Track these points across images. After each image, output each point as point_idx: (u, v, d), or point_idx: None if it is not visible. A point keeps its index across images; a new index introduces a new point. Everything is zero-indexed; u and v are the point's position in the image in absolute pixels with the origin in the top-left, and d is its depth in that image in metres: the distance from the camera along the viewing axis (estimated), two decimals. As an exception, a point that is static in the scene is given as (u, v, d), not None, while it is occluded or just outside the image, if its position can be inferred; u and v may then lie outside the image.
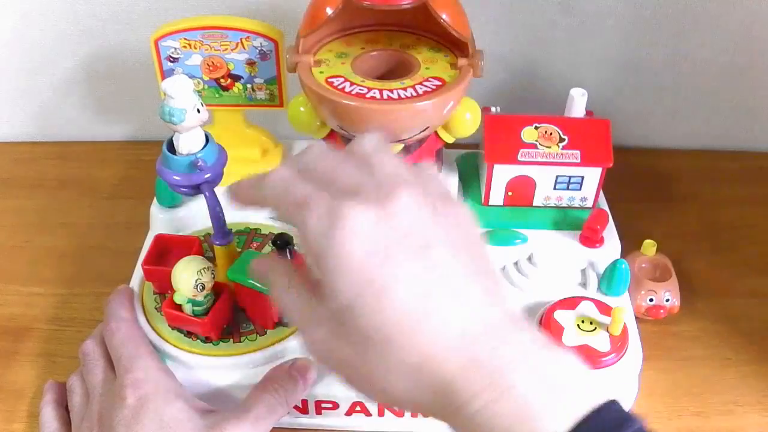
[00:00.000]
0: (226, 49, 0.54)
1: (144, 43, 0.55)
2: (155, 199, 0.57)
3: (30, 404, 0.50)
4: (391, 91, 0.49)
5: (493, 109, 0.57)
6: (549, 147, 0.54)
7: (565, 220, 0.56)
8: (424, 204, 0.32)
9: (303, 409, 0.48)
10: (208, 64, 0.55)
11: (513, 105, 0.69)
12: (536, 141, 0.55)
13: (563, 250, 0.54)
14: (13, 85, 0.73)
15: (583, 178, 0.55)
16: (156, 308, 0.49)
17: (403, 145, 0.52)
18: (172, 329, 0.47)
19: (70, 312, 0.57)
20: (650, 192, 0.69)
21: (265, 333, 0.47)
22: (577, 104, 0.56)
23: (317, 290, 0.33)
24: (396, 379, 0.30)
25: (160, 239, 0.51)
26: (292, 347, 0.47)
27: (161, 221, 0.56)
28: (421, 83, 0.50)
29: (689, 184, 0.70)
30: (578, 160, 0.54)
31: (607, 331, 0.48)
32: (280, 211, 0.34)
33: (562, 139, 0.55)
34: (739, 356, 0.54)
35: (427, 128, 0.51)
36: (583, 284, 0.53)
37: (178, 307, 0.46)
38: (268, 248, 0.53)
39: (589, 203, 0.56)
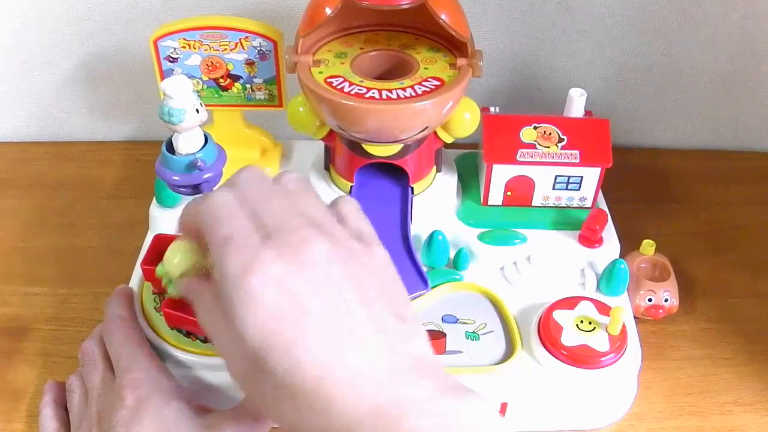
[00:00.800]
0: (226, 50, 0.54)
1: (144, 43, 0.55)
2: (155, 199, 0.57)
3: (29, 404, 0.50)
4: (390, 91, 0.49)
5: (492, 109, 0.57)
6: (548, 147, 0.54)
7: (564, 220, 0.56)
8: (338, 253, 0.33)
9: (302, 409, 0.48)
10: (207, 64, 0.55)
11: (512, 105, 0.69)
12: (535, 141, 0.55)
13: (562, 250, 0.54)
14: (13, 85, 0.73)
15: (582, 178, 0.55)
16: (155, 308, 0.49)
17: (402, 145, 0.52)
18: (172, 329, 0.47)
19: (70, 312, 0.57)
20: (649, 192, 0.69)
21: (265, 333, 0.47)
22: (577, 104, 0.56)
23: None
24: (303, 420, 0.31)
25: (159, 239, 0.51)
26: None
27: (161, 221, 0.56)
28: (420, 83, 0.50)
29: (689, 184, 0.70)
30: (577, 160, 0.54)
31: (606, 331, 0.48)
32: (209, 244, 0.34)
33: (561, 139, 0.55)
34: (738, 356, 0.54)
35: (426, 128, 0.51)
36: (582, 284, 0.53)
37: (178, 307, 0.46)
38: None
39: (588, 203, 0.57)
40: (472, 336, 0.49)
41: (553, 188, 0.56)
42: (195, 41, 0.54)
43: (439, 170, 0.58)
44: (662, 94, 0.73)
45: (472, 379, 0.47)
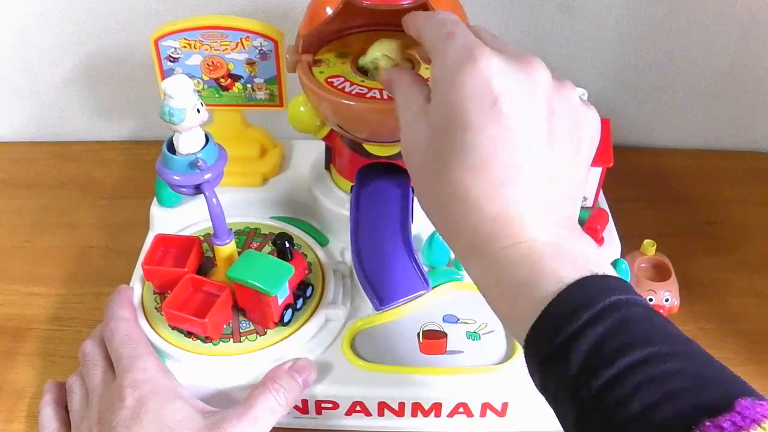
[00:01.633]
0: (226, 49, 0.54)
1: (144, 43, 0.55)
2: (155, 199, 0.57)
3: (30, 404, 0.50)
4: (391, 91, 0.49)
5: None
6: None
7: (564, 220, 0.56)
8: (549, 84, 0.36)
9: (303, 409, 0.48)
10: (207, 64, 0.55)
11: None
12: None
13: (563, 250, 0.54)
14: (13, 85, 0.73)
15: None
16: (156, 308, 0.49)
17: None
18: (172, 329, 0.47)
19: (70, 312, 0.57)
20: (650, 192, 0.69)
21: (265, 333, 0.47)
22: None
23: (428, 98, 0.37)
24: (446, 203, 0.35)
25: (160, 239, 0.51)
26: (292, 347, 0.47)
27: (161, 221, 0.56)
28: (420, 83, 0.50)
29: (689, 184, 0.70)
30: None
31: (607, 331, 0.48)
32: (428, 38, 0.38)
33: None
34: (738, 356, 0.54)
35: (426, 128, 0.51)
36: (583, 284, 0.53)
37: (179, 307, 0.46)
38: (268, 248, 0.53)
39: (589, 203, 0.56)
40: (473, 336, 0.49)
41: None
42: (196, 41, 0.54)
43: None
44: (662, 94, 0.73)
45: (473, 379, 0.47)
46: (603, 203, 0.58)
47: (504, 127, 0.34)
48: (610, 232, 0.55)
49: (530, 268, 0.32)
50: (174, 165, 0.44)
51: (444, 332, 0.50)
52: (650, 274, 0.56)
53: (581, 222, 0.54)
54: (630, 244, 0.56)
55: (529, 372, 0.33)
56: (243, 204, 0.57)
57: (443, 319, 0.50)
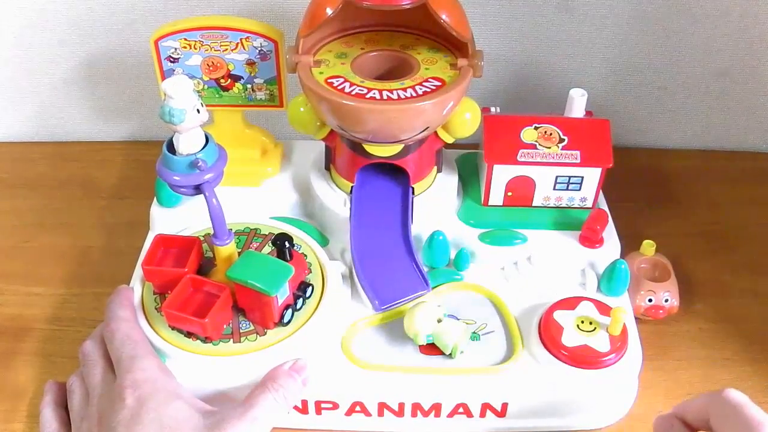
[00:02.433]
0: (226, 50, 0.54)
1: (144, 43, 0.55)
2: (155, 199, 0.57)
3: (30, 404, 0.50)
4: (391, 91, 0.49)
5: (492, 109, 0.57)
6: (549, 147, 0.54)
7: (564, 220, 0.56)
8: None
9: (303, 409, 0.48)
10: (208, 65, 0.55)
11: (513, 105, 0.69)
12: (536, 141, 0.55)
13: (563, 250, 0.54)
14: (13, 85, 0.73)
15: (582, 178, 0.55)
16: (156, 308, 0.49)
17: (403, 146, 0.52)
18: (172, 329, 0.47)
19: (70, 312, 0.57)
20: (650, 192, 0.69)
21: (265, 333, 0.47)
22: (577, 104, 0.56)
23: None
24: None
25: (160, 239, 0.51)
26: (292, 347, 0.47)
27: (161, 221, 0.56)
28: (420, 83, 0.50)
29: (689, 184, 0.70)
30: (578, 161, 0.54)
31: (607, 332, 0.48)
32: None
33: (561, 140, 0.55)
34: (738, 356, 0.54)
35: (426, 128, 0.51)
36: (583, 284, 0.53)
37: (179, 307, 0.46)
38: (268, 248, 0.53)
39: (589, 203, 0.57)
40: (473, 336, 0.49)
41: (554, 188, 0.56)
42: (196, 41, 0.54)
43: (439, 170, 0.58)
44: (662, 94, 0.73)
45: (473, 379, 0.47)
46: (603, 203, 0.58)
47: None
48: (610, 232, 0.55)
49: None
50: (174, 165, 0.44)
51: (444, 332, 0.50)
52: (650, 274, 0.56)
53: (581, 222, 0.55)
54: (630, 244, 0.56)
55: None
56: (243, 204, 0.57)
57: (443, 320, 0.50)
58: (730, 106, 0.73)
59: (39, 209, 0.67)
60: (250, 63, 0.55)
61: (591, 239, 0.54)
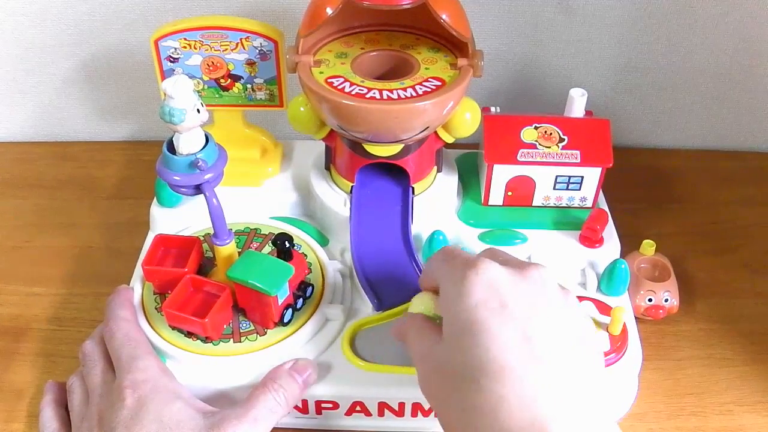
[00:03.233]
0: (226, 50, 0.54)
1: (144, 43, 0.55)
2: (155, 199, 0.57)
3: (30, 404, 0.50)
4: (391, 91, 0.49)
5: (492, 109, 0.57)
6: (549, 147, 0.54)
7: (564, 220, 0.56)
8: (555, 287, 0.36)
9: (303, 409, 0.48)
10: (208, 65, 0.55)
11: (513, 105, 0.69)
12: (536, 141, 0.55)
13: (563, 250, 0.54)
14: (13, 85, 0.73)
15: (582, 178, 0.55)
16: (156, 308, 0.49)
17: (403, 145, 0.52)
18: (172, 329, 0.47)
19: (70, 312, 0.57)
20: (650, 192, 0.69)
21: (265, 333, 0.47)
22: (577, 104, 0.56)
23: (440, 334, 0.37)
24: (471, 418, 0.33)
25: (160, 239, 0.51)
26: (292, 347, 0.47)
27: (162, 221, 0.56)
28: (420, 83, 0.50)
29: (689, 184, 0.70)
30: (578, 160, 0.54)
31: (607, 331, 0.48)
32: (435, 273, 0.40)
33: (561, 139, 0.55)
34: (738, 356, 0.54)
35: (426, 128, 0.51)
36: (583, 284, 0.53)
37: (179, 307, 0.46)
38: (268, 248, 0.53)
39: (589, 203, 0.57)
40: (473, 336, 0.49)
41: (554, 188, 0.56)
42: (196, 41, 0.54)
43: (439, 170, 0.58)
44: (662, 94, 0.73)
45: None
46: (603, 203, 0.58)
47: (521, 329, 0.34)
48: (610, 232, 0.55)
49: None
50: (174, 165, 0.44)
51: (444, 332, 0.49)
52: (650, 274, 0.56)
53: (581, 222, 0.55)
54: (630, 244, 0.56)
55: None
56: (243, 204, 0.57)
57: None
58: (730, 106, 0.73)
59: (39, 209, 0.67)
60: (250, 63, 0.55)
61: (591, 239, 0.54)
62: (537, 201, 0.56)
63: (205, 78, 0.56)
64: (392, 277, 0.52)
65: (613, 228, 0.56)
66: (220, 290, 0.47)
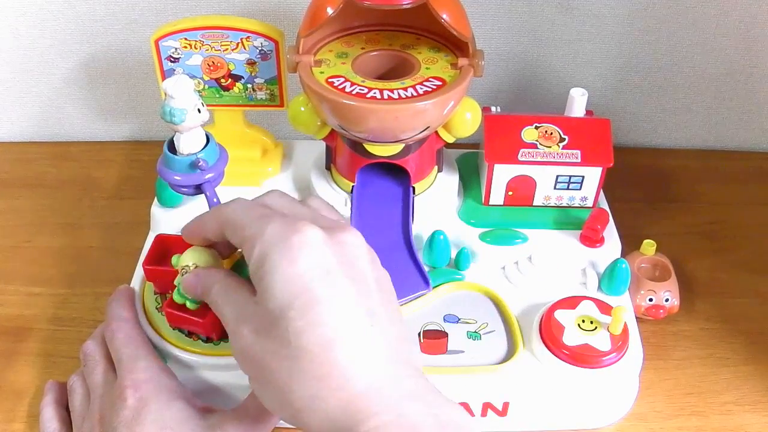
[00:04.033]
0: (227, 49, 0.54)
1: (144, 43, 0.55)
2: (156, 199, 0.57)
3: (30, 404, 0.50)
4: (392, 91, 0.49)
5: (493, 108, 0.57)
6: (549, 147, 0.54)
7: (565, 219, 0.56)
8: (367, 248, 0.37)
9: (304, 408, 0.48)
10: (208, 64, 0.55)
11: (513, 105, 0.69)
12: (536, 141, 0.55)
13: (563, 249, 0.54)
14: (13, 85, 0.73)
15: (583, 177, 0.55)
16: (157, 308, 0.49)
17: (403, 145, 0.52)
18: (173, 329, 0.47)
19: (70, 312, 0.57)
20: (650, 192, 0.69)
21: (266, 333, 0.47)
22: (577, 104, 0.56)
23: (253, 292, 0.36)
24: (302, 388, 0.33)
25: (160, 239, 0.50)
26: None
27: (162, 221, 0.56)
28: (421, 83, 0.50)
29: (689, 184, 0.70)
30: (578, 160, 0.54)
31: (608, 331, 0.48)
32: (236, 229, 0.37)
33: (562, 139, 0.55)
34: (738, 356, 0.54)
35: (427, 128, 0.51)
36: (584, 284, 0.53)
37: (180, 307, 0.46)
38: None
39: (590, 203, 0.57)
40: (474, 336, 0.49)
41: (555, 188, 0.56)
42: (196, 41, 0.54)
43: (440, 170, 0.58)
44: (662, 94, 0.73)
45: (474, 378, 0.47)
46: (603, 203, 0.58)
47: (347, 294, 0.34)
48: (610, 232, 0.55)
49: None
50: (175, 165, 0.44)
51: (445, 332, 0.50)
52: (650, 274, 0.56)
53: (581, 222, 0.55)
54: (630, 244, 0.56)
55: None
56: (243, 204, 0.57)
57: (444, 319, 0.50)
58: (731, 105, 0.73)
59: (39, 209, 0.67)
60: (251, 63, 0.55)
61: (592, 239, 0.54)
62: (538, 201, 0.56)
63: (206, 78, 0.56)
64: (393, 277, 0.52)
65: (614, 228, 0.56)
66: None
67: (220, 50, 0.54)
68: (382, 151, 0.52)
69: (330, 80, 0.50)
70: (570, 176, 0.55)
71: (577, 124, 0.55)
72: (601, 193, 0.57)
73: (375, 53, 0.54)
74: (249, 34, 0.53)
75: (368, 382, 0.32)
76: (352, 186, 0.55)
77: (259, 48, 0.54)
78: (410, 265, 0.52)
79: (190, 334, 0.47)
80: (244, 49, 0.54)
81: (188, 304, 0.45)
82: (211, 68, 0.55)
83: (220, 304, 0.38)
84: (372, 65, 0.53)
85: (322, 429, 0.33)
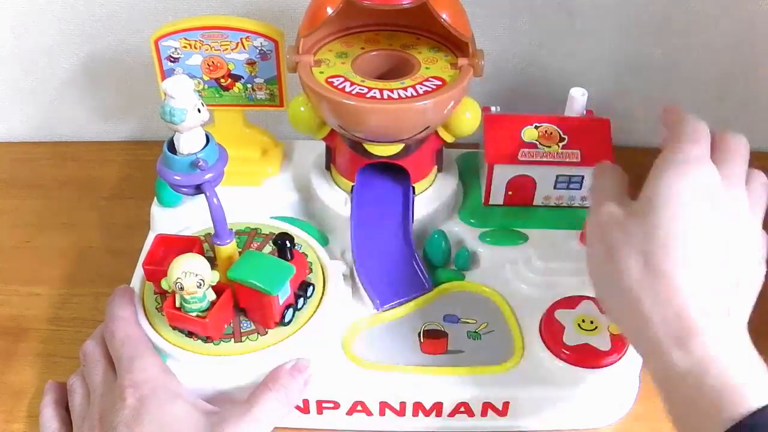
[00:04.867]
0: (227, 49, 0.54)
1: (144, 43, 0.55)
2: (156, 198, 0.57)
3: (30, 404, 0.50)
4: (392, 90, 0.49)
5: (493, 108, 0.57)
6: (549, 147, 0.54)
7: (565, 219, 0.56)
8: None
9: (304, 408, 0.48)
10: (208, 64, 0.55)
11: (513, 105, 0.69)
12: (536, 141, 0.55)
13: (563, 249, 0.54)
14: (13, 85, 0.73)
15: (583, 177, 0.55)
16: (157, 308, 0.49)
17: (403, 145, 0.52)
18: (173, 329, 0.47)
19: (70, 312, 0.57)
20: (650, 192, 0.69)
21: (266, 333, 0.47)
22: (577, 103, 0.56)
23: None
24: (670, 280, 0.36)
25: (160, 239, 0.50)
26: (293, 347, 0.47)
27: (162, 221, 0.56)
28: (421, 83, 0.50)
29: (689, 183, 0.70)
30: (578, 160, 0.54)
31: (608, 331, 0.48)
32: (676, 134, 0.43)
33: (562, 139, 0.55)
34: (739, 356, 0.54)
35: (427, 128, 0.51)
36: (584, 284, 0.53)
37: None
38: (268, 248, 0.53)
39: (590, 203, 0.56)
40: (474, 336, 0.49)
41: (555, 188, 0.56)
42: (196, 41, 0.54)
43: (440, 170, 0.58)
44: (662, 94, 0.73)
45: (474, 378, 0.47)
46: (603, 203, 0.58)
47: (721, 225, 0.37)
48: (611, 231, 0.55)
49: (721, 377, 0.33)
50: (175, 165, 0.44)
51: (445, 332, 0.50)
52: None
53: (581, 221, 0.55)
54: (630, 244, 0.56)
55: None
56: (243, 204, 0.57)
57: (444, 319, 0.50)
58: (730, 105, 0.73)
59: (39, 209, 0.67)
60: (251, 63, 0.55)
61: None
62: (537, 200, 0.56)
63: (206, 78, 0.56)
64: (393, 277, 0.52)
65: (614, 228, 0.56)
66: (220, 290, 0.47)
67: (219, 50, 0.54)
68: (382, 151, 0.52)
69: (330, 80, 0.50)
70: (570, 176, 0.55)
71: (577, 123, 0.55)
72: (601, 192, 0.57)
73: (375, 53, 0.54)
74: (249, 34, 0.53)
75: (701, 309, 0.35)
76: (352, 186, 0.55)
77: (259, 48, 0.54)
78: (410, 265, 0.52)
79: (189, 334, 0.47)
80: (244, 49, 0.54)
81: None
82: (211, 68, 0.55)
83: (597, 190, 0.43)
84: (372, 65, 0.53)
85: (667, 329, 0.35)
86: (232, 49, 0.54)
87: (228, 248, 0.48)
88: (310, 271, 0.51)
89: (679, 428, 0.35)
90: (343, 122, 0.50)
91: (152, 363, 0.45)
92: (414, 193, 0.55)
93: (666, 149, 0.41)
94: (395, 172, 0.55)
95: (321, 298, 0.50)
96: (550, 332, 0.48)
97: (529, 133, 0.55)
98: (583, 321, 0.48)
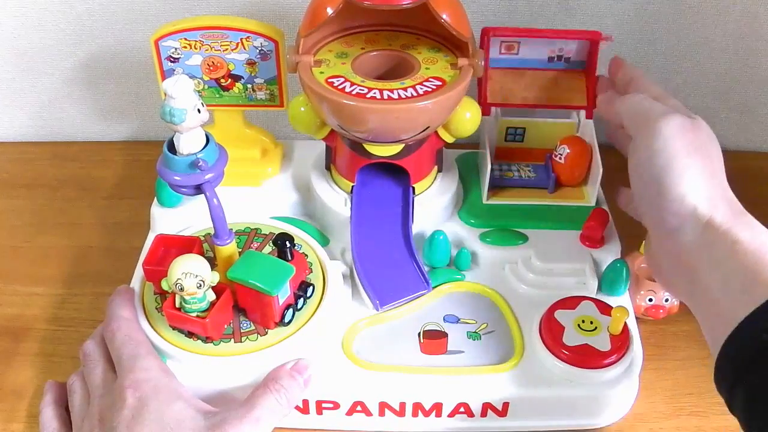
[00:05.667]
0: (227, 49, 0.54)
1: (144, 43, 0.55)
2: (156, 199, 0.57)
3: (30, 404, 0.50)
4: (392, 91, 0.49)
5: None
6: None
7: (565, 219, 0.56)
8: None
9: (304, 409, 0.48)
10: (208, 64, 0.55)
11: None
12: None
13: (563, 249, 0.54)
14: (12, 85, 0.73)
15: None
16: (157, 308, 0.49)
17: (403, 145, 0.52)
18: (173, 329, 0.47)
19: (70, 312, 0.57)
20: (650, 192, 0.69)
21: (266, 333, 0.47)
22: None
23: None
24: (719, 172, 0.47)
25: (160, 239, 0.50)
26: (293, 347, 0.47)
27: (162, 221, 0.56)
28: (421, 83, 0.50)
29: (689, 184, 0.70)
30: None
31: (608, 331, 0.48)
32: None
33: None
34: (738, 356, 0.54)
35: (427, 128, 0.51)
36: (584, 284, 0.53)
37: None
38: (268, 248, 0.53)
39: (591, 202, 0.56)
40: (474, 336, 0.49)
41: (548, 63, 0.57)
42: (196, 41, 0.54)
43: (440, 170, 0.58)
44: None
45: (474, 379, 0.47)
46: (603, 203, 0.58)
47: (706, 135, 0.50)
48: (611, 232, 0.55)
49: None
50: (175, 165, 0.44)
51: (444, 332, 0.50)
52: (650, 274, 0.56)
53: (582, 221, 0.55)
54: (630, 244, 0.56)
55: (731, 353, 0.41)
56: (243, 204, 0.57)
57: (444, 319, 0.50)
58: (731, 105, 0.73)
59: (39, 209, 0.67)
60: (251, 63, 0.55)
61: (592, 239, 0.54)
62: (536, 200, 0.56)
63: (206, 78, 0.56)
64: (393, 277, 0.52)
65: (614, 228, 0.56)
66: (220, 290, 0.47)
67: (219, 50, 0.54)
68: (382, 151, 0.52)
69: (330, 80, 0.50)
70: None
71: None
72: (601, 193, 0.57)
73: (375, 53, 0.54)
74: (249, 34, 0.53)
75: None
76: (352, 186, 0.55)
77: (259, 48, 0.54)
78: (410, 265, 0.52)
79: (189, 334, 0.47)
80: (244, 49, 0.54)
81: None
82: (211, 68, 0.55)
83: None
84: (372, 65, 0.53)
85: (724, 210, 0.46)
86: (232, 50, 0.54)
87: (228, 248, 0.48)
88: (310, 271, 0.51)
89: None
90: (343, 122, 0.50)
91: (152, 363, 0.45)
92: (414, 193, 0.55)
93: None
94: (395, 172, 0.55)
95: (321, 298, 0.50)
96: (550, 333, 0.48)
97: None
98: (583, 321, 0.48)
